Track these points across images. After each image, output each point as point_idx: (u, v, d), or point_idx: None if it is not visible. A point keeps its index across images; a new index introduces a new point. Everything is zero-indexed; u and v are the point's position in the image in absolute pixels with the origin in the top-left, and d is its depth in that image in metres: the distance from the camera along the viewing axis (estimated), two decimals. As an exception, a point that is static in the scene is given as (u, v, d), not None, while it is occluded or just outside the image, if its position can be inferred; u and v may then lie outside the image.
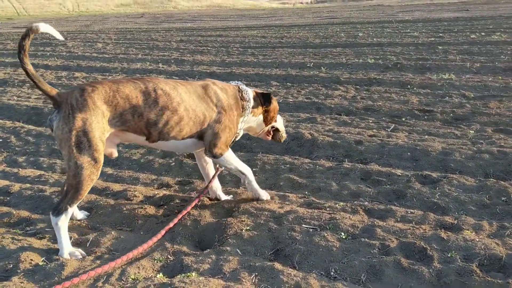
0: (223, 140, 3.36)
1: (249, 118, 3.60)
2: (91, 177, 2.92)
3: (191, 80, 9.18)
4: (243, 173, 3.54)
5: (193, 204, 3.49)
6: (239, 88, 3.56)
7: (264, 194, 3.66)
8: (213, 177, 3.67)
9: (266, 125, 3.75)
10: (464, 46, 11.70)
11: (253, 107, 3.58)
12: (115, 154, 3.30)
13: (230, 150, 3.45)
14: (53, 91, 2.92)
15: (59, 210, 2.92)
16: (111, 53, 13.83)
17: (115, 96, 2.99)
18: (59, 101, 2.90)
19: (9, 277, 2.71)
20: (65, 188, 3.21)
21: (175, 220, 3.26)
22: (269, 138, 3.88)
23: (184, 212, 3.37)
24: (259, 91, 3.69)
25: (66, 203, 2.92)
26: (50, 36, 3.01)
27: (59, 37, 3.00)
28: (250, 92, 3.58)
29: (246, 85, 3.76)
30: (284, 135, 3.90)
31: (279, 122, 3.85)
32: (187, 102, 3.21)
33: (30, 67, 2.86)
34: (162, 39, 17.38)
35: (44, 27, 2.85)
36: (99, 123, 2.91)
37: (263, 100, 3.63)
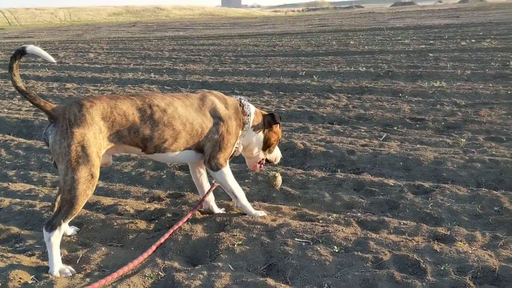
0: (223, 153, 3.37)
1: (249, 132, 3.58)
2: (87, 192, 2.91)
3: (184, 90, 9.17)
4: (236, 196, 3.52)
5: (185, 219, 3.45)
6: (240, 102, 3.55)
7: (260, 214, 3.59)
8: (208, 192, 3.64)
9: (265, 148, 3.74)
10: (455, 53, 11.79)
11: (255, 123, 3.58)
12: (110, 163, 3.32)
13: (228, 167, 3.45)
14: (48, 106, 2.90)
15: (52, 225, 2.87)
16: (103, 63, 13.80)
17: (113, 113, 3.00)
18: (55, 115, 2.89)
19: (-3, 296, 2.66)
20: (57, 203, 3.19)
21: (166, 235, 3.23)
22: (258, 168, 3.86)
23: (176, 227, 3.34)
24: (265, 112, 3.72)
25: (60, 218, 2.88)
26: (42, 46, 2.95)
27: (50, 59, 2.96)
28: (251, 107, 3.58)
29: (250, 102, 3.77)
30: (277, 160, 3.90)
31: (276, 153, 3.86)
32: (184, 117, 3.21)
33: (20, 84, 2.84)
34: (154, 48, 17.38)
35: (31, 49, 2.83)
36: (96, 139, 2.92)
37: (270, 118, 3.64)
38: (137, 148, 3.18)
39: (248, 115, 3.53)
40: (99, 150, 2.94)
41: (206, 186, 3.74)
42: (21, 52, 2.82)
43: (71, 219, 2.96)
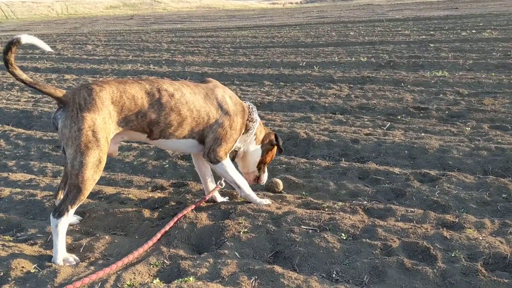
0: (223, 147, 3.34)
1: (251, 139, 3.58)
2: (94, 177, 2.87)
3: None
4: (238, 186, 3.49)
5: (186, 211, 3.37)
6: (249, 106, 3.56)
7: (265, 202, 3.55)
8: (212, 191, 3.58)
9: (259, 164, 3.71)
10: (456, 44, 11.72)
11: (257, 133, 3.61)
12: (116, 153, 3.27)
13: (228, 159, 3.41)
14: (59, 93, 2.85)
15: (60, 212, 2.83)
16: (101, 55, 13.69)
17: (122, 97, 2.97)
18: (65, 100, 2.85)
19: (-1, 285, 2.61)
20: (60, 190, 3.15)
21: (167, 227, 3.15)
22: (252, 182, 3.79)
23: (176, 219, 3.25)
24: (268, 129, 3.76)
25: (67, 203, 2.84)
26: (40, 38, 2.85)
27: (47, 48, 2.88)
28: (258, 118, 3.59)
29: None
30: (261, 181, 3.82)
31: (265, 174, 3.81)
32: (192, 103, 3.20)
33: (24, 77, 2.77)
34: (152, 40, 17.26)
35: (27, 39, 2.72)
36: (106, 124, 2.89)
37: (274, 138, 3.67)
38: (142, 134, 3.14)
39: (254, 121, 3.54)
40: (108, 135, 2.91)
41: (210, 176, 3.69)
42: (16, 43, 2.70)
43: (78, 205, 2.90)
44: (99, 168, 2.89)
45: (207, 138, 3.32)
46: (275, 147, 3.74)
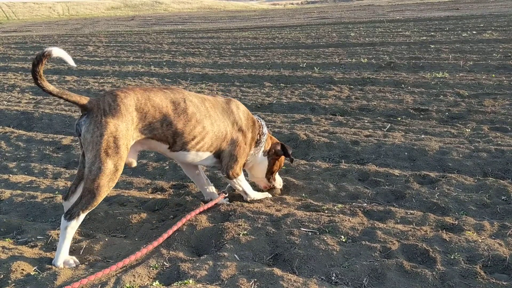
0: (239, 163, 3.45)
1: (260, 152, 3.68)
2: (109, 184, 2.87)
3: (184, 82, 9.11)
4: (246, 193, 3.64)
5: (187, 218, 3.33)
6: (258, 120, 3.65)
7: (266, 195, 3.74)
8: (217, 200, 3.60)
9: (267, 174, 3.79)
10: (456, 45, 11.72)
11: (266, 146, 3.70)
12: (135, 164, 3.22)
13: (242, 174, 3.55)
14: (84, 100, 2.87)
15: (71, 215, 2.83)
16: (102, 56, 13.71)
17: (146, 104, 2.98)
18: (90, 107, 2.86)
19: (-1, 288, 2.62)
20: (71, 192, 3.09)
21: (166, 235, 3.10)
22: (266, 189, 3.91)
23: (175, 228, 3.18)
24: (275, 139, 3.83)
25: (79, 208, 2.83)
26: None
27: (73, 63, 2.90)
28: (267, 131, 3.69)
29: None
30: (278, 191, 3.94)
31: (279, 179, 3.92)
32: (213, 117, 3.26)
33: (51, 88, 2.78)
34: (153, 42, 17.28)
35: (57, 52, 2.73)
36: (128, 130, 2.89)
37: (281, 148, 3.74)
38: (164, 144, 3.14)
39: (264, 134, 3.63)
40: (128, 143, 2.92)
41: (204, 179, 3.70)
42: (47, 55, 2.70)
43: (90, 210, 2.89)
44: (116, 175, 2.88)
45: (223, 153, 3.40)
46: (282, 157, 3.81)
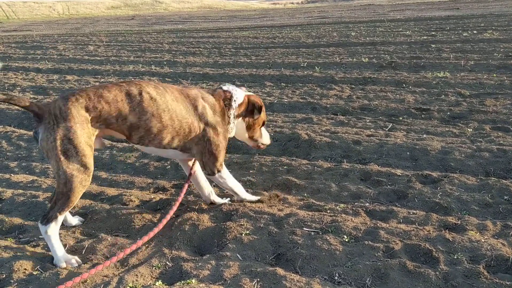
0: (218, 159, 3.31)
1: (232, 121, 3.46)
2: (83, 183, 2.86)
3: (185, 82, 9.10)
4: (235, 193, 3.53)
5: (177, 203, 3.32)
6: (230, 95, 3.42)
7: (257, 199, 3.61)
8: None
9: (249, 135, 3.65)
10: (457, 44, 11.71)
11: (237, 113, 3.46)
12: (104, 145, 3.26)
13: (225, 169, 3.40)
14: (34, 106, 2.82)
15: (48, 219, 2.82)
16: (102, 56, 13.70)
17: (100, 102, 2.93)
18: (41, 113, 2.82)
19: (2, 287, 2.61)
20: (55, 196, 3.11)
21: (164, 221, 3.15)
22: (257, 148, 3.81)
23: (168, 216, 3.20)
24: (253, 97, 3.56)
25: (56, 211, 2.83)
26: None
27: None
28: (239, 96, 3.46)
29: (243, 86, 3.68)
30: (263, 144, 3.78)
31: (265, 137, 3.75)
32: (173, 110, 3.12)
33: None
34: (153, 41, 17.27)
35: None
36: (84, 129, 2.86)
37: (252, 109, 3.52)
38: (122, 136, 3.12)
39: (234, 108, 3.41)
40: (88, 139, 2.88)
41: (202, 177, 3.59)
42: None
43: (67, 212, 2.90)
44: (87, 173, 2.86)
45: (192, 150, 3.28)
46: (262, 115, 3.58)
